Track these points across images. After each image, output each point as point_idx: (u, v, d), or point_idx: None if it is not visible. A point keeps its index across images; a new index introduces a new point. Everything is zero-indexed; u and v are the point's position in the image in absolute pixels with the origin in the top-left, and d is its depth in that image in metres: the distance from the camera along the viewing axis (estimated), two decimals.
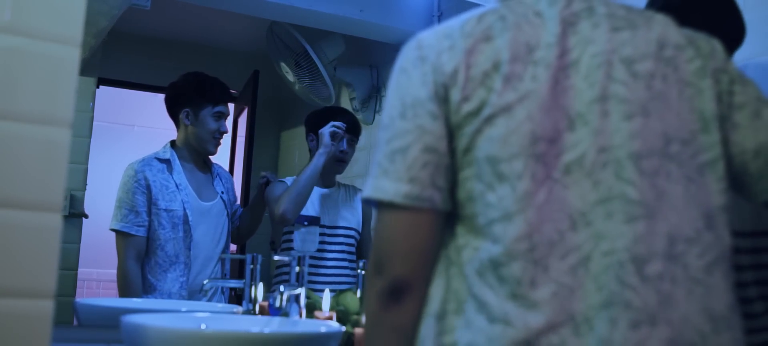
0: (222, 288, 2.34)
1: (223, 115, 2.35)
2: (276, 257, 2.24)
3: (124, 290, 2.21)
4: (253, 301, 2.05)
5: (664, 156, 1.02)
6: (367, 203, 1.07)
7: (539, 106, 1.01)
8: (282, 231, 2.46)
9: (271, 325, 1.79)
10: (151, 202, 2.21)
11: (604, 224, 0.99)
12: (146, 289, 2.21)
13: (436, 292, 1.04)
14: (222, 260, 2.34)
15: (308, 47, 2.76)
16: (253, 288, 2.06)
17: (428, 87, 1.04)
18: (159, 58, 2.99)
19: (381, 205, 1.04)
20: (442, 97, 1.03)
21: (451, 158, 1.04)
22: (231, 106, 2.46)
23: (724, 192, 1.06)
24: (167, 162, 2.27)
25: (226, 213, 2.37)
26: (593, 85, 1.03)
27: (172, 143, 2.34)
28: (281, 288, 1.89)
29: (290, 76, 2.93)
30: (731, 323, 1.02)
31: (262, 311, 2.02)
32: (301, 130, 3.26)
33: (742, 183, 1.11)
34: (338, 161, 2.49)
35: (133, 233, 2.20)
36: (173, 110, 2.35)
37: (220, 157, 2.48)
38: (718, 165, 1.06)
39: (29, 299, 0.97)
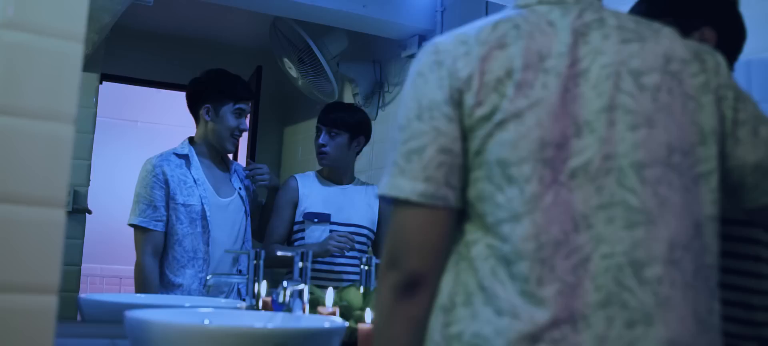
0: (237, 286, 2.34)
1: (244, 113, 2.34)
2: (279, 253, 2.23)
3: (142, 286, 2.20)
4: (257, 296, 2.05)
5: (667, 166, 1.07)
6: (383, 200, 1.11)
7: (549, 113, 1.05)
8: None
9: (275, 320, 1.79)
10: (168, 196, 2.20)
11: (604, 228, 1.04)
12: (165, 286, 2.20)
13: (445, 285, 1.09)
14: (238, 258, 2.33)
15: (311, 43, 2.76)
16: (256, 283, 2.06)
17: (444, 91, 1.08)
18: (162, 54, 3.00)
19: (397, 202, 1.08)
20: (457, 101, 1.07)
21: (464, 159, 1.08)
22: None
23: (715, 203, 1.11)
24: (185, 157, 2.27)
25: (244, 210, 2.36)
26: (602, 94, 1.07)
27: (191, 140, 2.34)
28: (284, 283, 1.89)
29: (293, 72, 2.93)
30: (709, 326, 1.08)
31: (266, 307, 2.02)
32: (304, 126, 3.27)
33: (736, 192, 1.18)
34: (318, 154, 2.47)
35: (151, 227, 2.19)
36: (194, 106, 2.35)
37: None
38: (712, 177, 1.11)
39: (33, 295, 0.97)
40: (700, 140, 1.11)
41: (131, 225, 2.20)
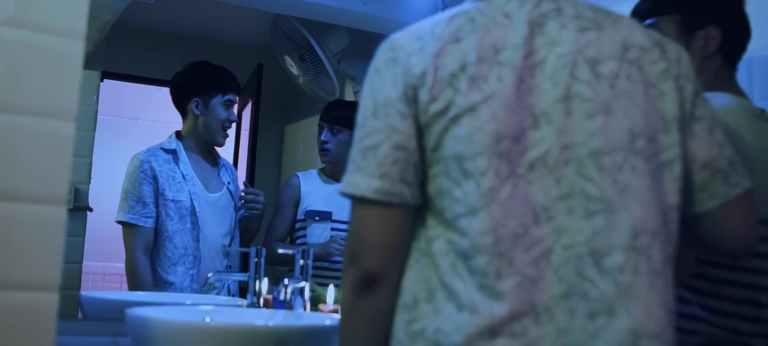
0: (227, 284, 2.33)
1: (232, 104, 2.33)
2: (281, 250, 2.23)
3: (134, 283, 2.18)
4: (258, 294, 2.05)
5: (629, 151, 1.06)
6: (344, 198, 1.11)
7: (503, 105, 1.04)
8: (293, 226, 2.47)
9: (276, 318, 1.79)
10: (158, 192, 2.18)
11: (565, 218, 1.03)
12: (157, 284, 2.18)
13: (409, 283, 1.09)
14: (228, 254, 2.32)
15: (312, 41, 2.76)
16: (257, 281, 2.06)
17: (399, 88, 1.08)
18: (163, 51, 2.99)
19: (354, 199, 1.09)
20: (412, 97, 1.08)
21: (420, 155, 1.08)
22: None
23: (679, 192, 1.10)
24: (173, 152, 2.25)
25: (233, 205, 2.34)
26: (558, 84, 1.06)
27: (177, 134, 2.32)
28: (286, 281, 1.89)
29: (294, 70, 2.93)
30: (674, 318, 1.08)
31: (267, 304, 2.02)
32: (306, 124, 3.27)
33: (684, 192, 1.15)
34: (321, 151, 2.48)
35: (140, 224, 2.17)
36: (180, 100, 2.33)
37: (225, 151, 2.48)
38: (676, 165, 1.10)
39: (34, 292, 0.97)
40: (663, 128, 1.10)
41: (119, 222, 2.18)
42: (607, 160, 1.05)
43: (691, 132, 1.13)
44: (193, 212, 2.22)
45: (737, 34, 1.56)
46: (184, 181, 2.23)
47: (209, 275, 2.16)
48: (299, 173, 2.50)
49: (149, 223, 2.18)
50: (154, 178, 2.19)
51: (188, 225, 2.21)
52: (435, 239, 1.07)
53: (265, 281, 2.06)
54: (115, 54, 2.53)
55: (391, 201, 1.06)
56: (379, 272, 1.08)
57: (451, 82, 1.06)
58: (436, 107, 1.06)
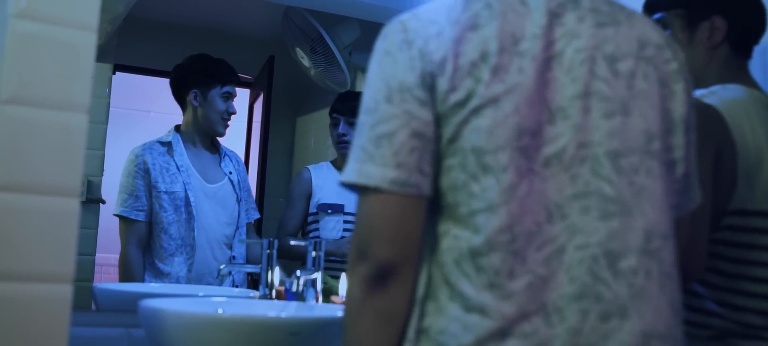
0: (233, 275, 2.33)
1: (231, 96, 2.34)
2: (293, 242, 2.24)
3: (125, 276, 2.21)
4: (270, 285, 2.05)
5: (645, 153, 1.05)
6: (349, 189, 1.05)
7: (525, 99, 1.01)
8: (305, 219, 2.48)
9: (288, 309, 1.79)
10: (150, 185, 2.20)
11: (579, 218, 1.01)
12: (155, 274, 2.20)
13: (420, 278, 1.05)
14: (231, 245, 2.32)
15: (324, 32, 2.75)
16: (269, 273, 2.07)
17: (416, 73, 1.03)
18: (175, 44, 3.00)
19: (366, 190, 1.02)
20: (429, 85, 1.02)
21: (436, 145, 1.03)
22: (246, 90, 2.43)
23: (678, 193, 1.11)
24: (169, 145, 2.27)
25: (235, 195, 2.34)
26: (576, 80, 1.03)
27: (177, 127, 2.33)
28: (298, 273, 1.89)
29: (306, 62, 2.93)
30: (681, 317, 1.07)
31: (279, 296, 2.02)
32: (317, 116, 3.27)
33: None
34: (338, 144, 2.47)
35: (133, 217, 2.19)
36: (180, 93, 2.35)
37: (236, 143, 2.48)
38: (680, 167, 1.10)
39: (48, 284, 0.98)
40: (671, 128, 1.08)
41: (116, 215, 2.21)
42: (624, 162, 1.03)
43: (690, 138, 1.13)
44: (187, 203, 2.22)
45: (746, 23, 1.55)
46: (179, 172, 2.23)
47: (221, 266, 2.16)
48: (310, 166, 2.50)
49: (141, 216, 2.20)
50: (147, 171, 2.21)
51: (183, 216, 2.22)
52: (443, 235, 1.03)
53: (278, 273, 2.06)
54: (128, 46, 2.53)
55: (408, 192, 1.00)
56: (395, 264, 1.01)
57: (472, 72, 1.01)
58: (455, 97, 1.01)
